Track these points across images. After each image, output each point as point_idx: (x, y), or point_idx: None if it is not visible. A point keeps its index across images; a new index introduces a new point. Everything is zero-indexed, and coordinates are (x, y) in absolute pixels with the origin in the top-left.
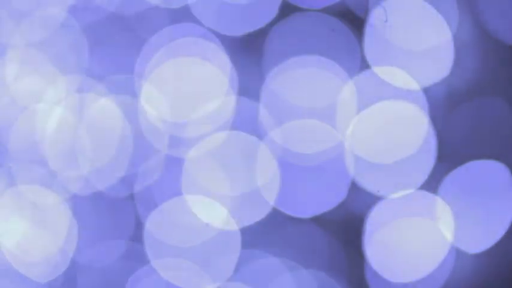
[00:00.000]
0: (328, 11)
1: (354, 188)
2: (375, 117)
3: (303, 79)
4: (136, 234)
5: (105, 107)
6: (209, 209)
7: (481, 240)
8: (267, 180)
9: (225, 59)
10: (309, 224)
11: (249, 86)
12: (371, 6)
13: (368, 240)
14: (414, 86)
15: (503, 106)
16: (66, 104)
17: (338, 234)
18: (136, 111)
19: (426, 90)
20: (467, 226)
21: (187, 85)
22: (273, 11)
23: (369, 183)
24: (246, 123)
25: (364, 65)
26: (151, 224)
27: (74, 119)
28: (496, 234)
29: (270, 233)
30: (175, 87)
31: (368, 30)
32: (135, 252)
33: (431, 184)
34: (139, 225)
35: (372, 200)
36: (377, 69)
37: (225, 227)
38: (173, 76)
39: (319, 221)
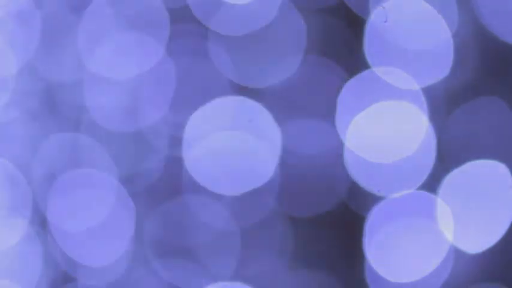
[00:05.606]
0: (329, 11)
1: (354, 188)
2: (375, 117)
3: (303, 79)
4: (136, 234)
5: (105, 107)
6: (209, 209)
7: (481, 240)
8: (267, 180)
9: (225, 59)
10: (309, 224)
11: (249, 86)
12: (371, 6)
13: (368, 240)
14: (414, 86)
15: (503, 106)
16: (66, 104)
17: (338, 234)
18: (136, 111)
19: (426, 90)
20: (467, 226)
21: (187, 85)
22: (273, 11)
23: (369, 183)
24: (246, 123)
25: (364, 65)
26: (151, 224)
27: (74, 119)
28: (496, 234)
29: (270, 233)
30: (175, 87)
31: (368, 30)
32: (135, 252)
33: (431, 184)
34: (139, 225)
35: (372, 200)
36: (377, 69)
37: (225, 227)
38: (173, 76)
39: (319, 221)
